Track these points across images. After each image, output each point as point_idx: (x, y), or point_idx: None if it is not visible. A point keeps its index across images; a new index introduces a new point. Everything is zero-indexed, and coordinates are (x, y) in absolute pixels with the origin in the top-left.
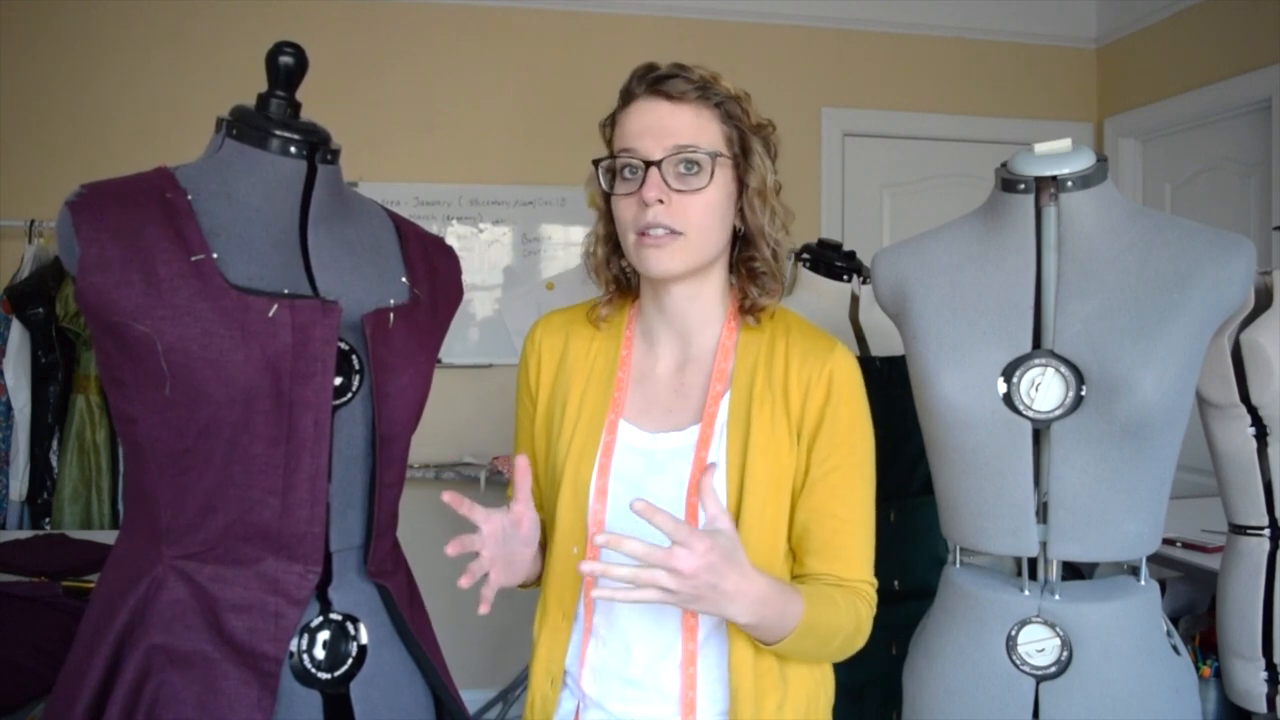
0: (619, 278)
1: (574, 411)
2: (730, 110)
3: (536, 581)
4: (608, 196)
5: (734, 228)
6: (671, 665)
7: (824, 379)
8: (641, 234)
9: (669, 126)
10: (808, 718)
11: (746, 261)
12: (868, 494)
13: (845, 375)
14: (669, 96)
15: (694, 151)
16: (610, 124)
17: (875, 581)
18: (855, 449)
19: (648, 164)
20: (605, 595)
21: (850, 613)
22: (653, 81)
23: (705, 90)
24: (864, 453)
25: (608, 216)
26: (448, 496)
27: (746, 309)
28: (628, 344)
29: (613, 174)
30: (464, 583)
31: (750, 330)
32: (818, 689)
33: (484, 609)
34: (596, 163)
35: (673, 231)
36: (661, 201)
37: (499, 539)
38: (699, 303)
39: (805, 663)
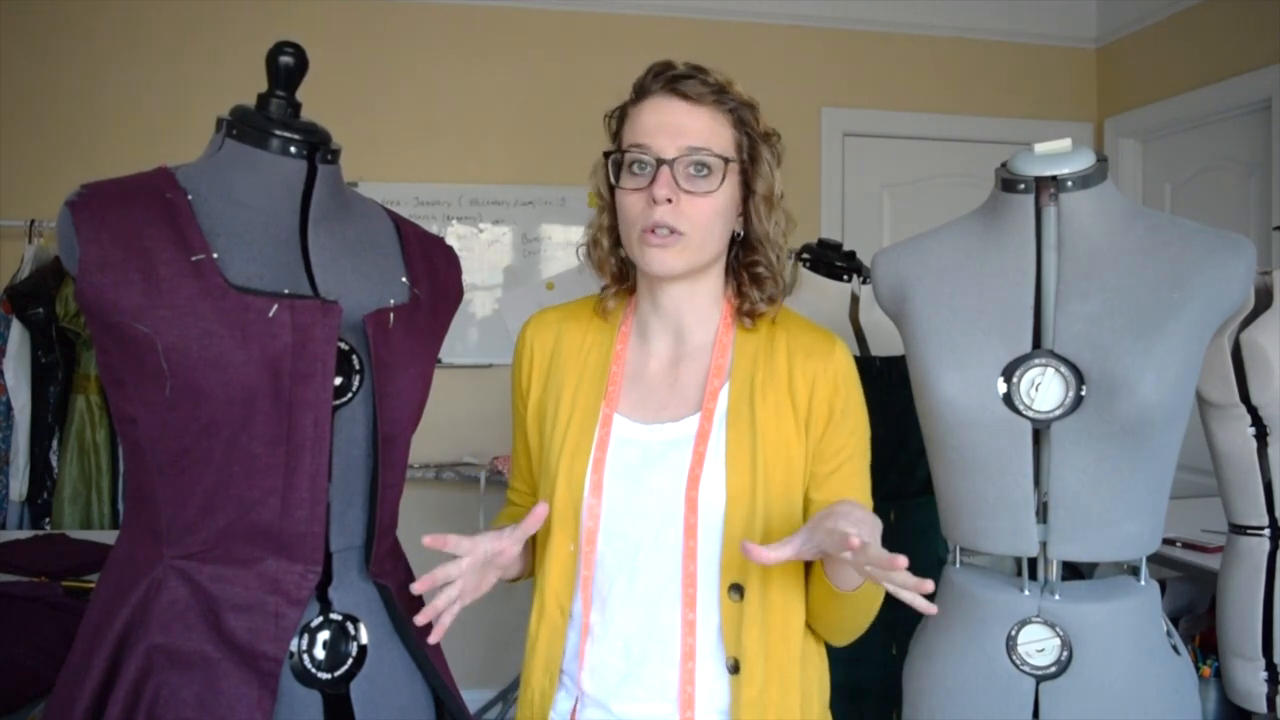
0: (621, 269)
1: (567, 406)
2: (743, 116)
3: (527, 574)
4: (612, 189)
5: (733, 232)
6: (670, 662)
7: (830, 374)
8: (646, 231)
9: (684, 126)
10: (806, 714)
11: (750, 266)
12: (869, 479)
13: (848, 370)
14: (686, 97)
15: (707, 154)
16: (619, 117)
17: None
18: (862, 439)
19: (660, 162)
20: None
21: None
22: (670, 80)
23: (721, 95)
24: (867, 442)
25: (611, 209)
26: (428, 540)
27: (745, 312)
28: (623, 339)
29: (619, 167)
30: (420, 619)
31: (747, 330)
32: (811, 687)
33: (436, 637)
34: (607, 155)
35: (675, 231)
36: (670, 200)
37: (476, 568)
38: (694, 301)
39: (845, 620)
